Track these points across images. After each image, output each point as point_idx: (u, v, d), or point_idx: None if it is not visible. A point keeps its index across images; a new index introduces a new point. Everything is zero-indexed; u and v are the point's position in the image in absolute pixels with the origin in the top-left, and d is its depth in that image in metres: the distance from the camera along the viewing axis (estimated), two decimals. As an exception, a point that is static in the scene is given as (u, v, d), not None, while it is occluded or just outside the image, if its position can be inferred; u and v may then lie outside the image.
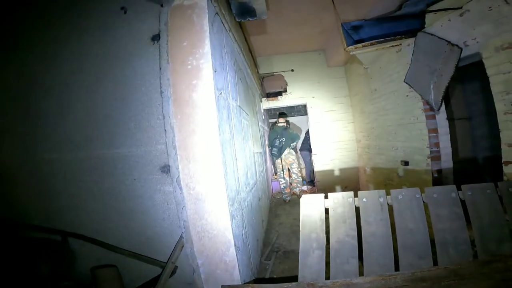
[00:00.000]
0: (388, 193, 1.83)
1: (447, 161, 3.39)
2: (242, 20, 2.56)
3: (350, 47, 3.40)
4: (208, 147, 1.74)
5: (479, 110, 3.26)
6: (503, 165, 2.35)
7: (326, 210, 1.83)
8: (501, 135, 2.35)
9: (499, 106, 2.35)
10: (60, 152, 2.04)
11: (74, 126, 2.02)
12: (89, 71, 2.00)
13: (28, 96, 2.08)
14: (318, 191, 5.99)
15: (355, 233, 1.71)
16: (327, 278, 1.60)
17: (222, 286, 1.51)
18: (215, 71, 1.84)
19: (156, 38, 1.91)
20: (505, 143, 2.31)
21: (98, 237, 2.00)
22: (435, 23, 2.97)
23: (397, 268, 1.59)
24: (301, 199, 1.88)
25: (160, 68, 1.86)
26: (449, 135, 3.37)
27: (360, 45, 3.40)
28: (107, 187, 2.01)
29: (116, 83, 1.97)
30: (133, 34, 1.95)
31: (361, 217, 1.76)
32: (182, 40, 1.81)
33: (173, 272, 1.89)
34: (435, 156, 3.41)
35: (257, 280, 2.28)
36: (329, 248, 1.71)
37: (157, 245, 1.97)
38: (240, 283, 1.74)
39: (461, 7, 2.59)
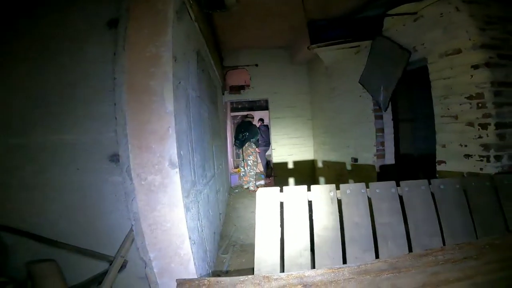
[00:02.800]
0: (338, 188, 1.93)
1: (390, 159, 3.72)
2: (210, 11, 2.50)
3: (313, 45, 3.50)
4: (163, 136, 1.68)
5: (419, 113, 3.63)
6: (436, 164, 2.64)
7: (281, 204, 1.87)
8: (436, 137, 2.62)
9: (437, 110, 2.59)
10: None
11: (13, 111, 1.85)
12: (36, 55, 1.86)
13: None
14: (276, 185, 6.16)
15: (308, 226, 1.78)
16: (282, 271, 1.64)
17: (176, 280, 1.47)
18: (176, 60, 1.79)
19: (113, 23, 1.82)
20: (440, 144, 2.58)
21: (36, 231, 1.84)
22: (392, 27, 3.12)
23: (344, 260, 1.69)
24: (257, 192, 1.89)
25: (115, 54, 1.77)
26: (393, 135, 3.69)
27: (322, 44, 3.51)
28: (47, 177, 1.87)
29: (64, 68, 1.86)
30: (89, 18, 1.86)
31: (313, 210, 1.83)
32: (143, 27, 1.74)
33: (123, 267, 1.81)
34: (380, 154, 3.72)
35: (214, 274, 2.27)
36: (283, 242, 1.75)
37: (105, 239, 1.88)
38: (196, 277, 1.72)
39: (416, 13, 2.73)
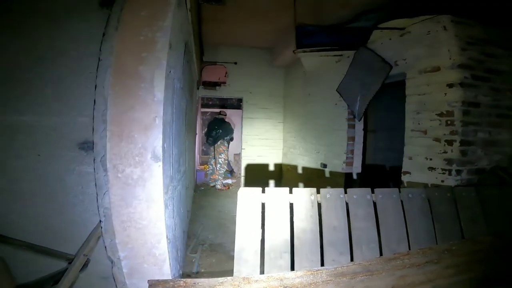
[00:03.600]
0: (318, 192, 1.96)
1: (357, 167, 3.91)
2: (205, 3, 2.39)
3: (299, 50, 3.54)
4: (147, 126, 1.55)
5: (387, 125, 3.88)
6: (402, 174, 2.83)
7: (263, 205, 1.84)
8: (404, 149, 2.79)
9: (408, 123, 2.75)
10: None
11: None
12: (6, 29, 1.66)
13: None
14: (245, 185, 6.16)
15: (289, 228, 1.78)
16: (262, 272, 1.62)
17: (148, 281, 1.36)
18: (170, 47, 1.70)
19: (107, 2, 1.68)
20: (407, 156, 2.76)
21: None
22: (378, 40, 3.20)
23: (322, 262, 1.72)
24: (239, 192, 1.84)
25: (104, 34, 1.63)
26: (362, 144, 3.89)
27: (308, 49, 3.56)
28: (-2, 162, 1.63)
29: (38, 44, 1.68)
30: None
31: (294, 213, 1.83)
32: (141, 9, 1.62)
33: (85, 266, 1.64)
34: (349, 162, 3.89)
35: (184, 274, 2.17)
36: (264, 243, 1.73)
37: (64, 235, 1.70)
38: (170, 278, 1.61)
39: (404, 28, 2.82)
